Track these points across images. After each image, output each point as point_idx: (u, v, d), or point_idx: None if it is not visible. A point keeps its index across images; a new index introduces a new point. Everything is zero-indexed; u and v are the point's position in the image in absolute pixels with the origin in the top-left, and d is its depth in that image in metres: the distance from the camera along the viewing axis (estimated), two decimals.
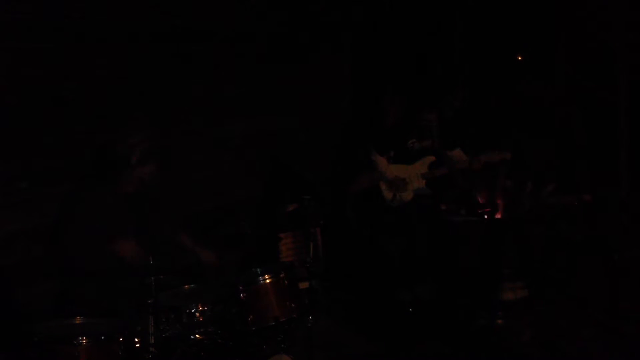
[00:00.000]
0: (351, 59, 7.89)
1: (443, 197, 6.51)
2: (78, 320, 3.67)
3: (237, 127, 6.43)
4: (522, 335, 5.55)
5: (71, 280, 4.10)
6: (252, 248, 4.91)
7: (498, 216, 6.29)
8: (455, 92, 6.96)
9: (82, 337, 3.42)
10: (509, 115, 7.62)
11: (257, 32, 6.58)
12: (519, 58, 7.89)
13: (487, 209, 6.33)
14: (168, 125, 5.73)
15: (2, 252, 4.57)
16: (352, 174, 6.58)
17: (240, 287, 4.23)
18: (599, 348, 5.22)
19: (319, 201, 5.05)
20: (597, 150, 7.48)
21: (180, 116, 5.88)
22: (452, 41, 8.13)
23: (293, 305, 4.31)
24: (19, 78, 4.70)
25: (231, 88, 6.36)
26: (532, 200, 6.22)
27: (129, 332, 3.62)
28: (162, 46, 5.64)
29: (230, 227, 5.04)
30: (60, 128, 4.91)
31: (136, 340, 3.68)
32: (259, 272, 4.34)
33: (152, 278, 3.75)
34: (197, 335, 3.98)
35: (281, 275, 4.34)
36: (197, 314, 4.02)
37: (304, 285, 4.71)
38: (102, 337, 3.47)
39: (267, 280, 4.29)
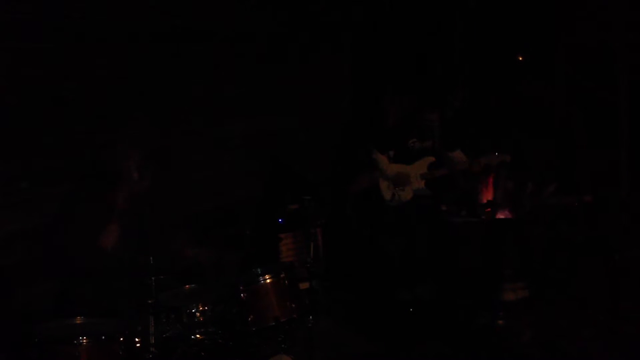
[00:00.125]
0: (351, 59, 7.89)
1: (444, 198, 6.51)
2: (78, 320, 3.67)
3: (237, 127, 6.42)
4: (523, 336, 5.55)
5: (71, 280, 4.08)
6: (252, 248, 4.90)
7: (503, 216, 6.28)
8: (455, 92, 6.96)
9: (83, 337, 3.42)
10: (509, 115, 7.63)
11: (257, 32, 6.58)
12: (520, 58, 7.88)
13: (488, 209, 6.33)
14: (168, 125, 5.73)
15: (2, 252, 4.57)
16: (352, 174, 6.58)
17: (241, 287, 4.22)
18: (600, 348, 5.22)
19: (319, 201, 5.05)
20: (597, 150, 7.49)
21: (180, 116, 5.88)
22: (452, 41, 8.13)
23: (293, 305, 4.31)
24: (19, 78, 4.70)
25: (231, 88, 6.36)
26: (533, 200, 6.22)
27: (129, 332, 3.62)
28: (162, 46, 5.64)
29: (230, 227, 5.04)
30: (60, 128, 4.91)
31: (137, 340, 3.68)
32: (260, 272, 4.33)
33: (153, 278, 3.74)
34: (198, 335, 3.98)
35: (281, 276, 4.33)
36: (198, 314, 4.02)
37: (304, 285, 4.70)
38: (103, 337, 3.47)
39: (268, 281, 4.29)
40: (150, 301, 3.71)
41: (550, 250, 6.39)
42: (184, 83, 5.87)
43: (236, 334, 4.15)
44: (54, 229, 4.16)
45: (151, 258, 3.76)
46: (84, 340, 3.41)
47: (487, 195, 6.41)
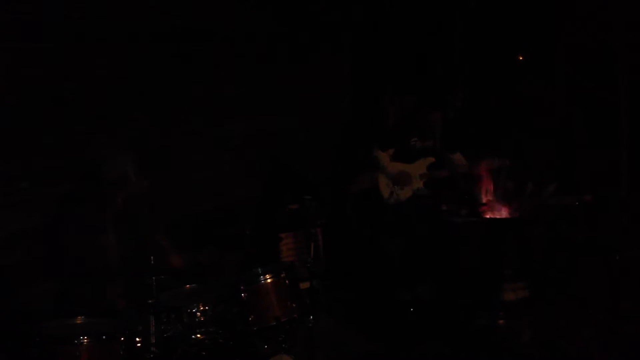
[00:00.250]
0: (351, 59, 7.89)
1: (444, 198, 6.51)
2: (79, 320, 3.67)
3: (237, 127, 6.42)
4: (523, 336, 5.54)
5: (71, 280, 4.08)
6: (253, 248, 4.90)
7: (503, 216, 6.28)
8: (455, 92, 6.95)
9: (84, 336, 3.41)
10: (509, 115, 7.63)
11: (257, 32, 6.58)
12: (520, 58, 7.88)
13: (485, 207, 6.34)
14: (168, 125, 5.73)
15: (2, 252, 4.57)
16: (352, 173, 6.59)
17: (242, 287, 4.22)
18: (600, 348, 5.21)
19: (319, 201, 5.05)
20: (597, 150, 7.49)
21: (180, 116, 5.88)
22: (452, 41, 8.12)
23: (294, 305, 4.31)
24: (19, 78, 4.70)
25: (231, 88, 6.36)
26: (533, 200, 6.22)
27: (130, 332, 3.62)
28: (162, 46, 5.64)
29: (231, 227, 5.04)
30: (60, 128, 4.90)
31: (137, 340, 3.68)
32: (260, 272, 4.33)
33: (153, 278, 3.74)
34: (198, 335, 3.98)
35: (282, 275, 4.33)
36: (198, 314, 4.02)
37: (304, 285, 4.71)
38: (104, 337, 3.47)
39: (268, 280, 4.29)
40: (150, 301, 3.71)
41: (550, 250, 6.39)
42: (184, 83, 5.88)
43: (237, 333, 4.15)
44: (54, 229, 4.16)
45: (152, 258, 3.75)
46: (84, 340, 3.41)
47: (487, 196, 6.41)
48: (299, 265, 5.13)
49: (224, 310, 4.17)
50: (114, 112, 5.22)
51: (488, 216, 6.31)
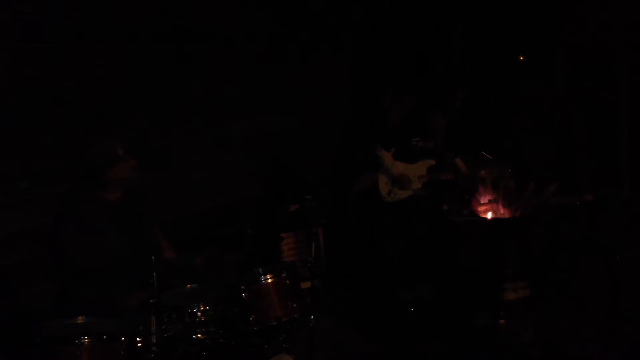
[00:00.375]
0: (351, 59, 7.90)
1: (445, 198, 6.51)
2: (80, 319, 3.65)
3: (237, 127, 6.42)
4: (523, 335, 5.54)
5: (71, 280, 4.07)
6: (253, 248, 4.89)
7: (507, 216, 6.29)
8: (455, 92, 6.96)
9: (84, 336, 3.40)
10: (509, 115, 7.64)
11: (257, 32, 6.58)
12: (521, 58, 7.88)
13: (484, 207, 6.34)
14: (168, 125, 5.73)
15: (2, 252, 4.57)
16: (352, 173, 6.59)
17: (242, 287, 4.20)
18: (600, 348, 5.21)
19: (320, 201, 5.04)
20: (597, 150, 7.49)
21: (180, 116, 5.88)
22: (452, 41, 8.13)
23: (295, 305, 4.29)
24: (19, 78, 4.69)
25: (231, 88, 6.36)
26: (534, 200, 6.22)
27: (130, 332, 3.61)
28: (162, 46, 5.64)
29: (231, 227, 5.03)
30: (60, 128, 4.90)
31: (138, 339, 3.66)
32: (261, 272, 4.32)
33: (154, 277, 3.73)
34: (199, 335, 3.95)
35: (283, 275, 4.31)
36: (199, 314, 3.99)
37: (305, 285, 4.68)
38: (104, 337, 3.45)
39: (269, 280, 4.27)
40: (151, 300, 3.70)
41: (551, 250, 6.39)
42: (184, 83, 5.87)
43: (238, 333, 4.13)
44: (54, 229, 4.15)
45: (153, 257, 3.75)
46: (85, 339, 3.39)
47: (488, 196, 6.41)
48: (299, 265, 5.10)
49: (224, 310, 4.15)
50: (114, 112, 5.21)
51: (489, 216, 6.32)
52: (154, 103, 5.59)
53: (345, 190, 6.65)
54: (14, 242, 4.65)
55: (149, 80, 5.52)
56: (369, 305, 6.11)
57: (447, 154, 6.55)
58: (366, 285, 6.34)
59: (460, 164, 6.48)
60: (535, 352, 5.23)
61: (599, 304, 5.89)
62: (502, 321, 5.72)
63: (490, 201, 6.33)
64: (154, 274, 3.73)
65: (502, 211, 6.28)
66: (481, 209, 6.34)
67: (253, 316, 4.17)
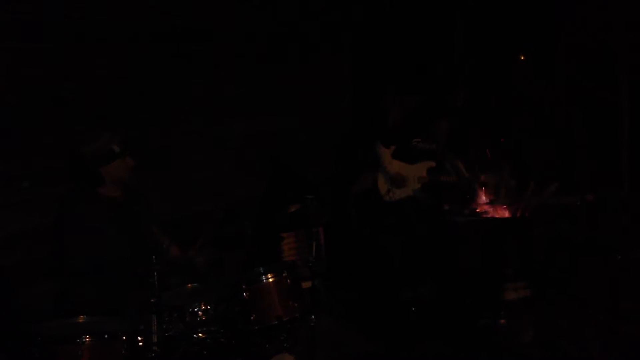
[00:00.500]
0: (351, 59, 7.89)
1: (446, 198, 6.51)
2: (81, 319, 3.66)
3: (237, 127, 6.42)
4: (523, 335, 5.54)
5: (71, 280, 4.07)
6: (254, 248, 4.89)
7: (507, 216, 6.29)
8: (455, 92, 6.96)
9: (85, 336, 3.40)
10: (509, 115, 7.63)
11: (257, 32, 6.58)
12: (522, 58, 7.88)
13: (488, 207, 6.34)
14: (168, 125, 5.73)
15: (2, 252, 4.57)
16: (352, 173, 6.59)
17: (243, 286, 4.21)
18: (600, 348, 5.21)
19: (320, 201, 5.04)
20: (598, 150, 7.49)
21: (180, 116, 5.88)
22: (452, 41, 8.13)
23: (296, 304, 4.29)
24: (19, 78, 4.70)
25: (231, 88, 6.36)
26: (535, 200, 6.22)
27: (132, 331, 3.61)
28: (162, 46, 5.64)
29: (231, 227, 5.03)
30: (60, 128, 4.90)
31: (139, 339, 3.67)
32: (262, 271, 4.32)
33: (155, 277, 3.73)
34: (200, 334, 3.96)
35: (284, 275, 4.32)
36: (200, 313, 4.00)
37: (306, 284, 4.69)
38: (105, 336, 3.46)
39: (270, 280, 4.27)
40: (152, 300, 3.70)
41: (551, 250, 6.39)
42: (184, 83, 5.87)
43: (238, 333, 4.14)
44: (54, 229, 4.15)
45: (153, 257, 3.74)
46: (86, 339, 3.39)
47: (488, 196, 6.41)
48: (300, 265, 5.11)
49: (225, 310, 4.16)
50: (114, 112, 5.21)
51: (489, 216, 6.31)
52: (154, 103, 5.59)
53: (346, 190, 6.65)
54: (14, 242, 4.65)
55: (149, 80, 5.53)
56: (369, 304, 6.11)
57: (449, 155, 6.54)
58: (367, 285, 6.34)
59: (461, 167, 6.48)
60: (535, 352, 5.23)
61: (599, 304, 5.88)
62: (502, 321, 5.71)
63: (490, 201, 6.32)
64: (155, 273, 3.72)
65: (502, 211, 6.28)
66: (481, 209, 6.33)
67: (254, 315, 4.17)
